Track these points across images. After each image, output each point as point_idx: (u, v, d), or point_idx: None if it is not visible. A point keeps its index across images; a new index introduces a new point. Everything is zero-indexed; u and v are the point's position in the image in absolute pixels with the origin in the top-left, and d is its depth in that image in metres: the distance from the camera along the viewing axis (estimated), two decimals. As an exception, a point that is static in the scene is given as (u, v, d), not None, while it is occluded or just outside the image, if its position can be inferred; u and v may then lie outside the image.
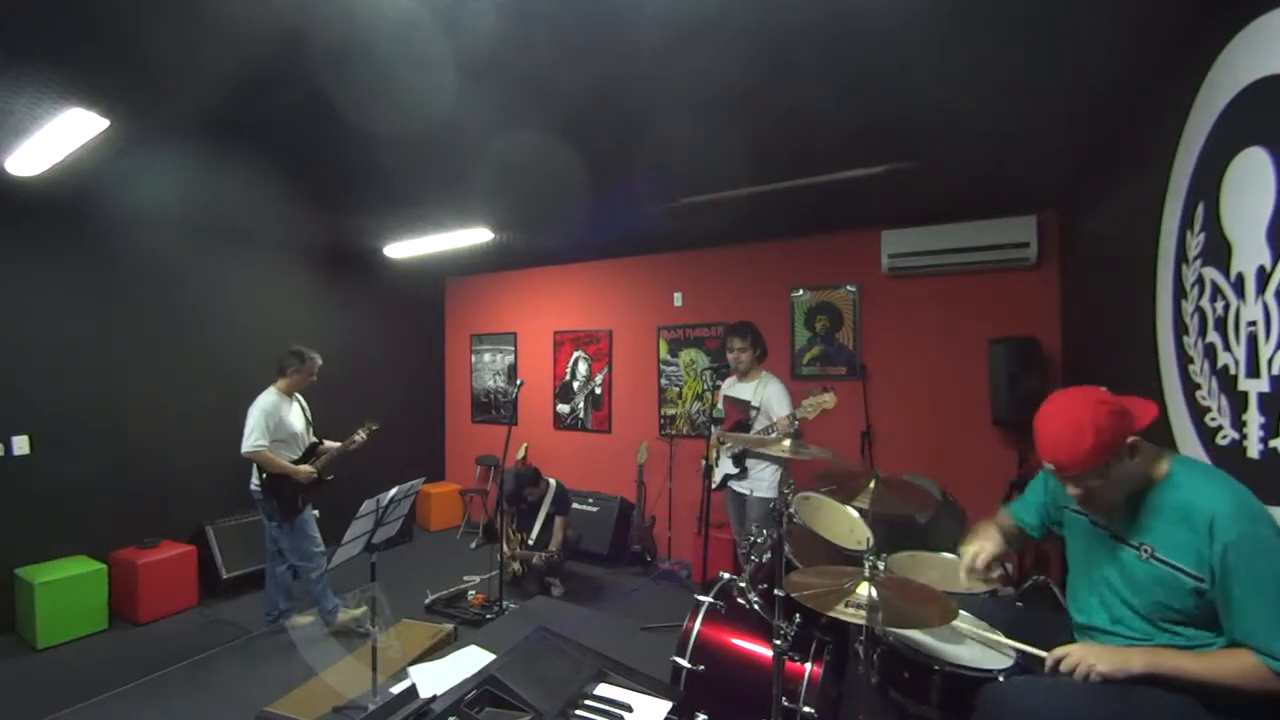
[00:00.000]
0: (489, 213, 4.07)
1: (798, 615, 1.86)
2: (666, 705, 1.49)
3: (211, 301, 4.52)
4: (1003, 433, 3.80)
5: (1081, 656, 1.36)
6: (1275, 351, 1.37)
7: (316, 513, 3.63)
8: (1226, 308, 1.58)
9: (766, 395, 3.36)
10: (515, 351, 6.17)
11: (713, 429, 3.66)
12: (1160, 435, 1.97)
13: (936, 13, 1.78)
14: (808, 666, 1.96)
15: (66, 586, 3.46)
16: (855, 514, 2.05)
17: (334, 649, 3.32)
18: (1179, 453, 1.47)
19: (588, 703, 1.47)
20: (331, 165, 3.15)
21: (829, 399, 2.97)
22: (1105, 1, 1.73)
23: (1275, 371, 1.37)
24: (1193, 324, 1.81)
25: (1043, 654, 1.45)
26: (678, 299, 5.16)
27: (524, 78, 2.20)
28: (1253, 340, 1.45)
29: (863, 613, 1.45)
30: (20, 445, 3.56)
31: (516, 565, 4.24)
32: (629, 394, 5.43)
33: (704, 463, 3.64)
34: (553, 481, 4.45)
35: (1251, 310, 1.45)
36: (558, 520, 4.29)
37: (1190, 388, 1.82)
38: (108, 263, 3.98)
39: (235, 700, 2.78)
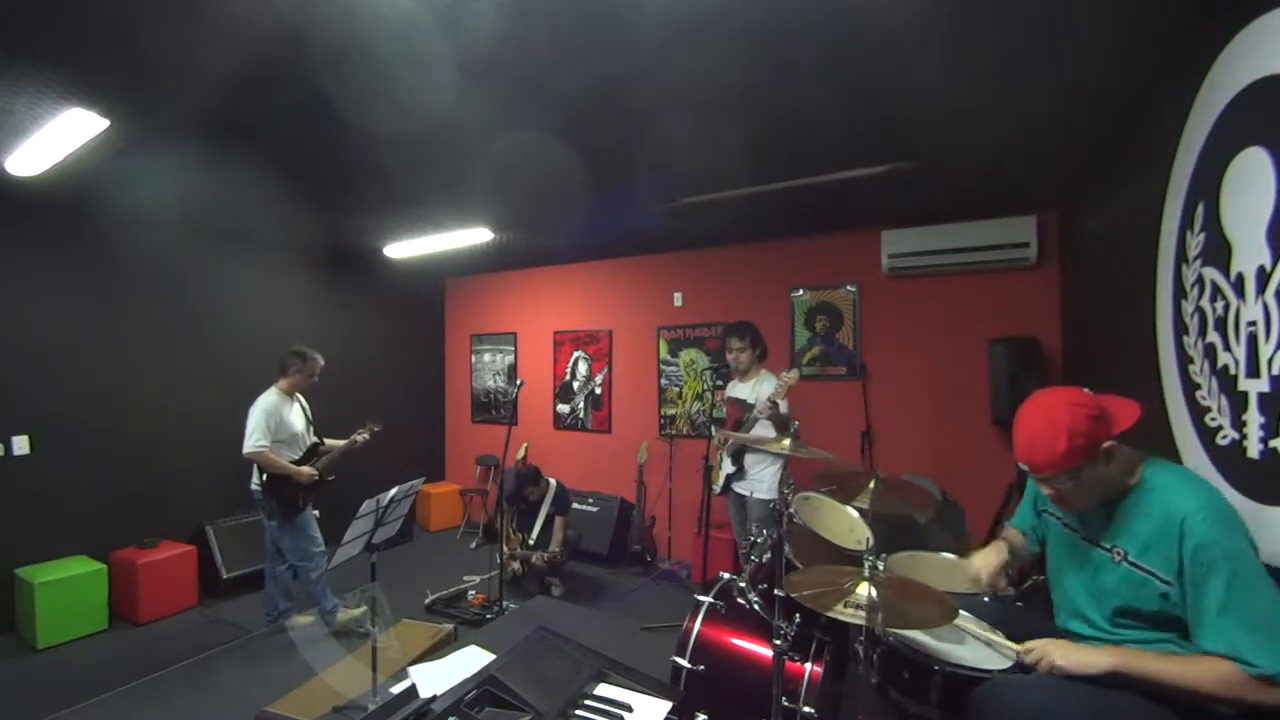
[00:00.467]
0: (489, 213, 4.07)
1: (798, 615, 1.86)
2: (666, 705, 1.49)
3: (211, 301, 4.52)
4: (1003, 433, 3.80)
5: (1044, 651, 1.37)
6: (1275, 351, 1.37)
7: (317, 513, 3.63)
8: (1226, 308, 1.58)
9: (761, 393, 3.37)
10: (515, 351, 6.17)
11: (713, 429, 3.67)
12: (1160, 435, 1.97)
13: (936, 13, 1.78)
14: (808, 666, 1.96)
15: (66, 586, 3.46)
16: (855, 514, 2.05)
17: (334, 649, 3.32)
18: (1159, 455, 1.47)
19: (588, 703, 1.47)
20: (331, 165, 3.15)
21: (792, 375, 3.17)
22: (1105, 1, 1.73)
23: (1275, 371, 1.37)
24: (1193, 324, 1.81)
25: (1015, 647, 1.46)
26: (678, 299, 5.16)
27: (524, 78, 2.20)
28: (1253, 340, 1.45)
29: (863, 613, 1.45)
30: (20, 445, 3.56)
31: (516, 565, 4.24)
32: (629, 394, 5.43)
33: (704, 463, 3.65)
34: (553, 481, 4.45)
35: (1251, 310, 1.45)
36: (558, 520, 4.29)
37: (1190, 388, 1.82)
38: (108, 263, 3.98)
39: (235, 700, 2.77)
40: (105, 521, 3.88)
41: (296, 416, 3.60)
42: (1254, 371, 1.45)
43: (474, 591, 4.12)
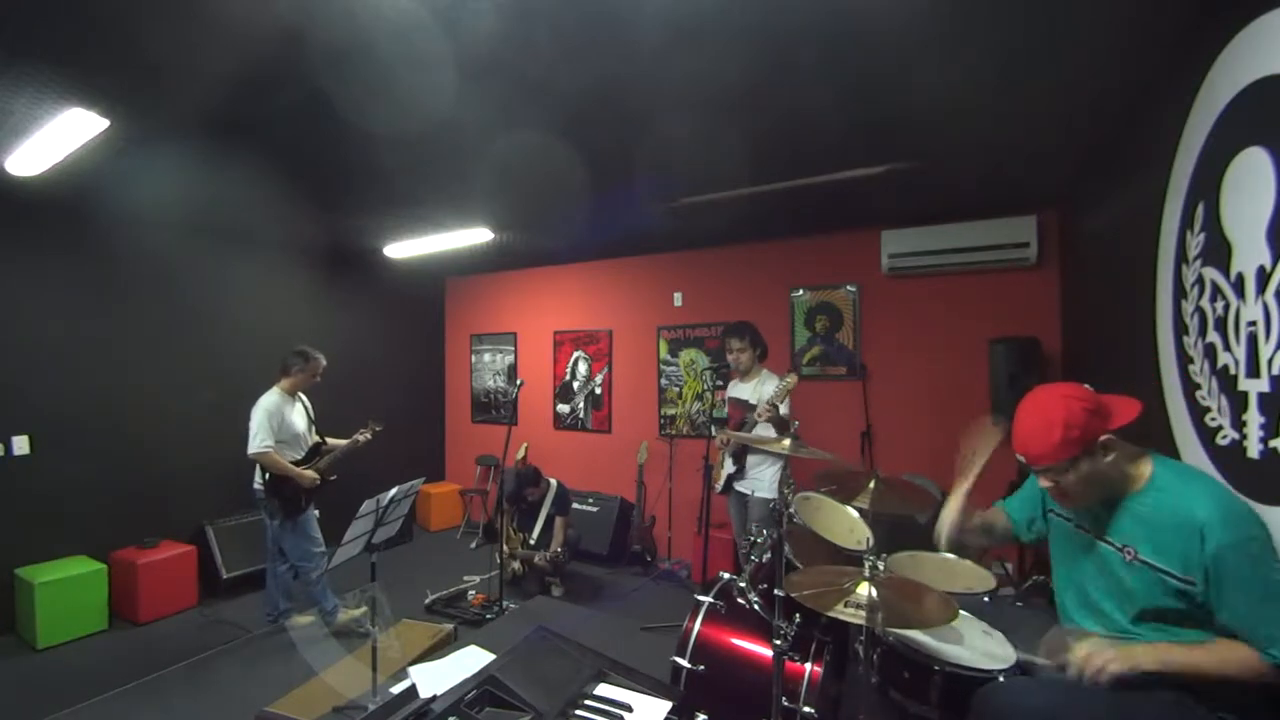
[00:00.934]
0: (489, 213, 4.07)
1: (798, 615, 1.86)
2: (666, 705, 1.49)
3: (211, 301, 4.52)
4: (1003, 433, 3.80)
5: (1096, 655, 1.34)
6: (1275, 351, 1.37)
7: (317, 513, 3.63)
8: (1226, 308, 1.58)
9: (763, 394, 3.37)
10: (515, 351, 6.17)
11: (713, 430, 3.67)
12: (1160, 435, 1.97)
13: (936, 13, 1.78)
14: (808, 666, 1.96)
15: (66, 586, 3.46)
16: (855, 514, 2.05)
17: (334, 649, 3.32)
18: (1161, 454, 1.47)
19: (588, 703, 1.47)
20: (331, 165, 3.15)
21: (791, 380, 3.15)
22: (1105, 1, 1.73)
23: (1275, 371, 1.37)
24: (1193, 324, 1.81)
25: (1044, 662, 1.45)
26: (678, 299, 5.16)
27: (524, 78, 2.20)
28: (1253, 340, 1.45)
29: (863, 613, 1.45)
30: (20, 445, 3.56)
31: (517, 565, 4.24)
32: (629, 394, 5.43)
33: (705, 463, 3.64)
34: (553, 482, 4.45)
35: (1251, 310, 1.45)
36: (558, 520, 4.29)
37: (1190, 388, 1.82)
38: (108, 263, 3.98)
39: (235, 700, 2.77)
40: (105, 521, 3.88)
41: (299, 416, 3.60)
42: (1254, 371, 1.45)
43: (474, 591, 4.12)
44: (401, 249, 5.00)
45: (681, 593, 4.23)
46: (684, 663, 2.09)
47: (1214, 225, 1.65)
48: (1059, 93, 2.28)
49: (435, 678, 1.51)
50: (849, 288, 4.41)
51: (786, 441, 2.08)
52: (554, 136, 2.71)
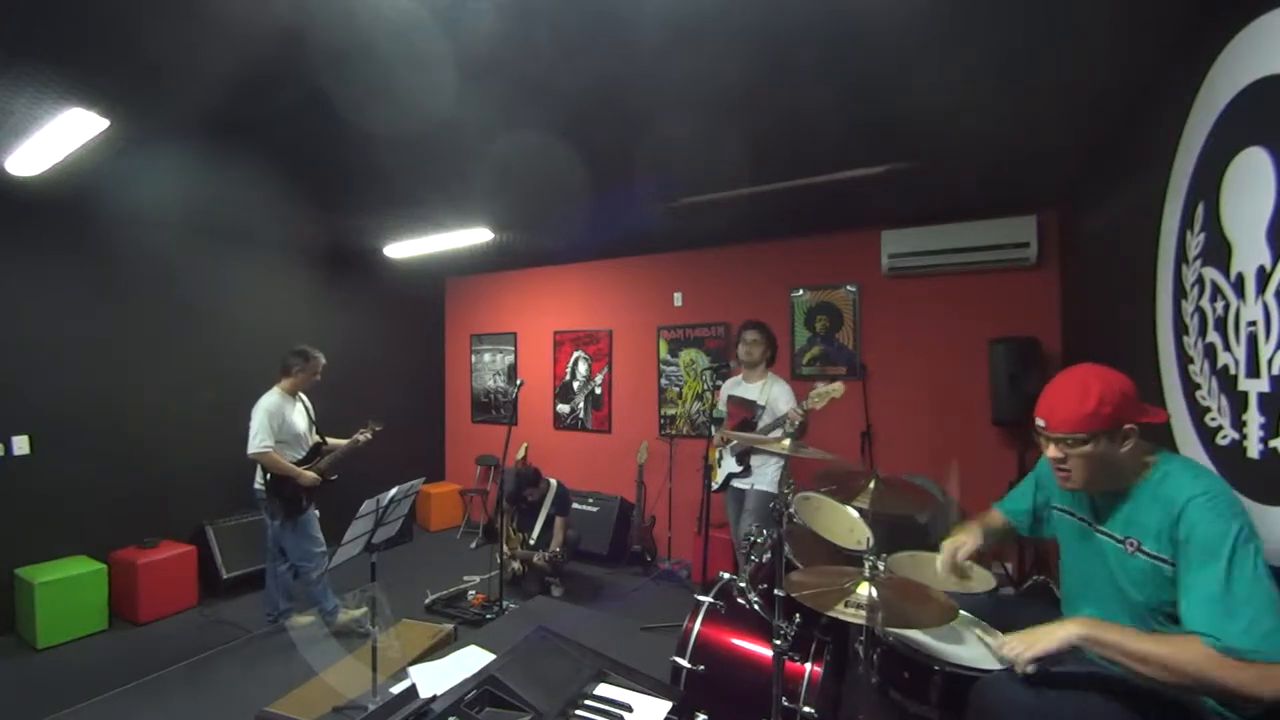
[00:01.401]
0: (489, 213, 4.07)
1: (798, 615, 1.86)
2: (666, 705, 1.49)
3: (211, 301, 4.52)
4: (1003, 433, 3.80)
5: (1012, 648, 1.36)
6: (1275, 351, 1.37)
7: (317, 513, 3.64)
8: (1226, 308, 1.58)
9: (773, 395, 3.37)
10: (515, 351, 6.17)
11: (713, 430, 3.66)
12: (1160, 435, 1.97)
13: (936, 13, 1.78)
14: (808, 666, 1.96)
15: (66, 586, 3.46)
16: (855, 514, 2.05)
17: (334, 649, 3.32)
18: (1177, 452, 1.47)
19: (588, 703, 1.47)
20: (331, 165, 3.15)
21: (838, 388, 2.99)
22: (1105, 1, 1.73)
23: (1275, 371, 1.37)
24: (1193, 324, 1.81)
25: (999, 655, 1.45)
26: (678, 299, 5.16)
27: (524, 78, 2.20)
28: (1253, 340, 1.45)
29: (863, 613, 1.45)
30: (20, 445, 3.56)
31: (517, 565, 4.24)
32: (629, 394, 5.43)
33: (704, 462, 3.64)
34: (553, 482, 4.44)
35: (1251, 310, 1.45)
36: (558, 521, 4.29)
37: (1190, 388, 1.82)
38: (108, 263, 3.98)
39: (235, 700, 2.77)
40: (105, 521, 3.88)
41: (299, 416, 3.61)
42: (1254, 371, 1.45)
43: (474, 591, 4.12)
44: (401, 249, 5.00)
45: (681, 593, 4.23)
46: (684, 663, 2.09)
47: (1214, 225, 1.65)
48: (1059, 93, 2.28)
49: (435, 678, 1.51)
50: (849, 288, 4.41)
51: (786, 442, 2.08)
52: (554, 136, 2.71)
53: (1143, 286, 2.22)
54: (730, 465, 3.51)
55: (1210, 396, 1.68)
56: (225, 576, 4.13)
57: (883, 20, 1.81)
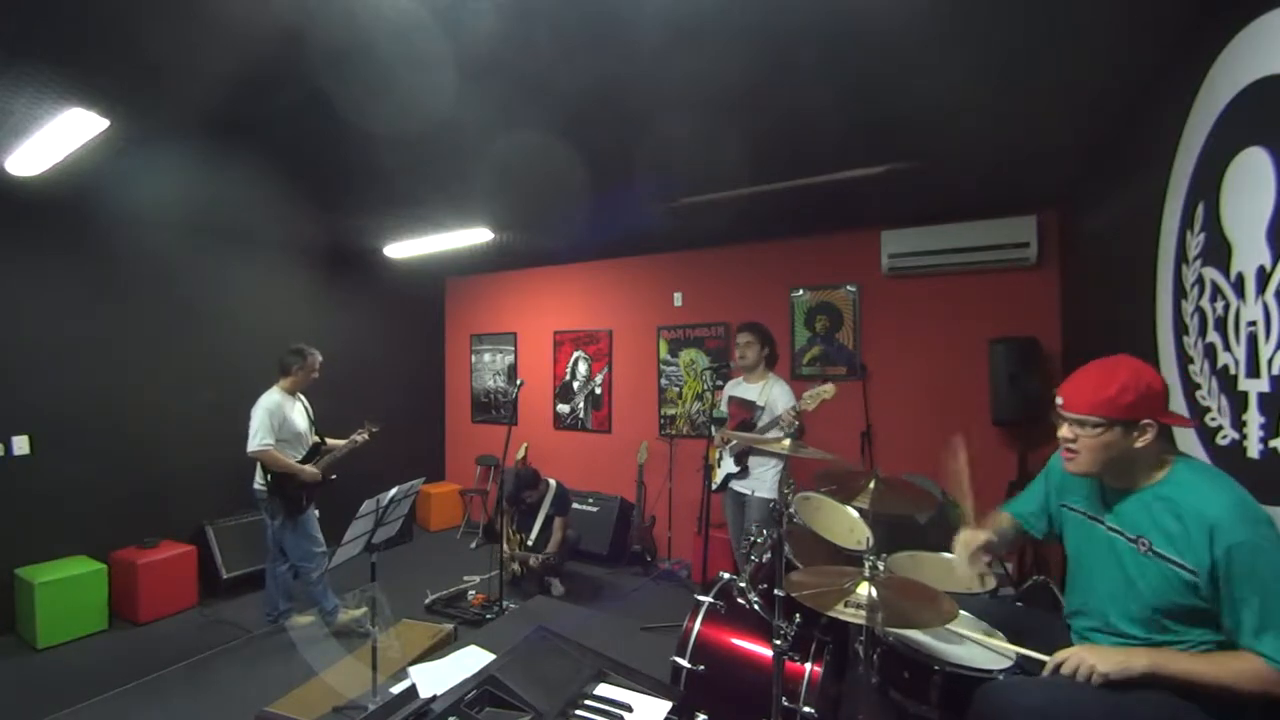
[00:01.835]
0: (489, 213, 4.07)
1: (798, 615, 1.86)
2: (666, 705, 1.49)
3: (211, 301, 4.52)
4: (1003, 433, 3.80)
5: (1082, 658, 1.35)
6: (1275, 351, 1.37)
7: (317, 513, 3.64)
8: (1226, 308, 1.58)
9: (772, 396, 3.37)
10: (515, 351, 6.17)
11: (713, 430, 3.66)
12: (1161, 434, 1.97)
13: (936, 13, 1.78)
14: (808, 666, 1.96)
15: (66, 586, 3.46)
16: (855, 514, 2.05)
17: (334, 649, 3.32)
18: (1186, 455, 1.47)
19: (588, 703, 1.47)
20: (331, 165, 3.15)
21: (828, 389, 3.04)
22: (1105, 1, 1.73)
23: (1275, 371, 1.37)
24: (1193, 324, 1.81)
25: (1043, 658, 1.45)
26: (678, 299, 5.16)
27: (524, 78, 2.20)
28: (1253, 340, 1.45)
29: (863, 613, 1.45)
30: (20, 445, 3.56)
31: (516, 566, 4.24)
32: (629, 394, 5.43)
33: (704, 462, 3.64)
34: (552, 482, 4.44)
35: (1251, 310, 1.45)
36: (557, 521, 4.29)
37: (1190, 388, 1.82)
38: (108, 263, 3.98)
39: (235, 700, 2.78)
40: (105, 521, 3.88)
41: (299, 416, 3.61)
42: (1254, 371, 1.45)
43: (474, 591, 4.12)
44: (401, 249, 5.00)
45: (681, 593, 4.23)
46: (684, 663, 2.09)
47: (1214, 225, 1.65)
48: (1059, 93, 2.28)
49: (435, 678, 1.51)
50: (849, 288, 4.41)
51: (787, 442, 2.08)
52: (554, 136, 2.71)
53: (1143, 286, 2.22)
54: (729, 466, 3.51)
55: (1210, 396, 1.68)
56: (225, 576, 4.13)
57: (883, 20, 1.81)
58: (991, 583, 1.87)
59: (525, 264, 5.93)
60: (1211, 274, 1.67)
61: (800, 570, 1.85)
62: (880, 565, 1.62)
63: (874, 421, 4.27)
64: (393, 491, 2.67)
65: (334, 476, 3.63)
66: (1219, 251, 1.62)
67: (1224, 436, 1.60)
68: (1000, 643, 1.67)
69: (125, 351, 4.05)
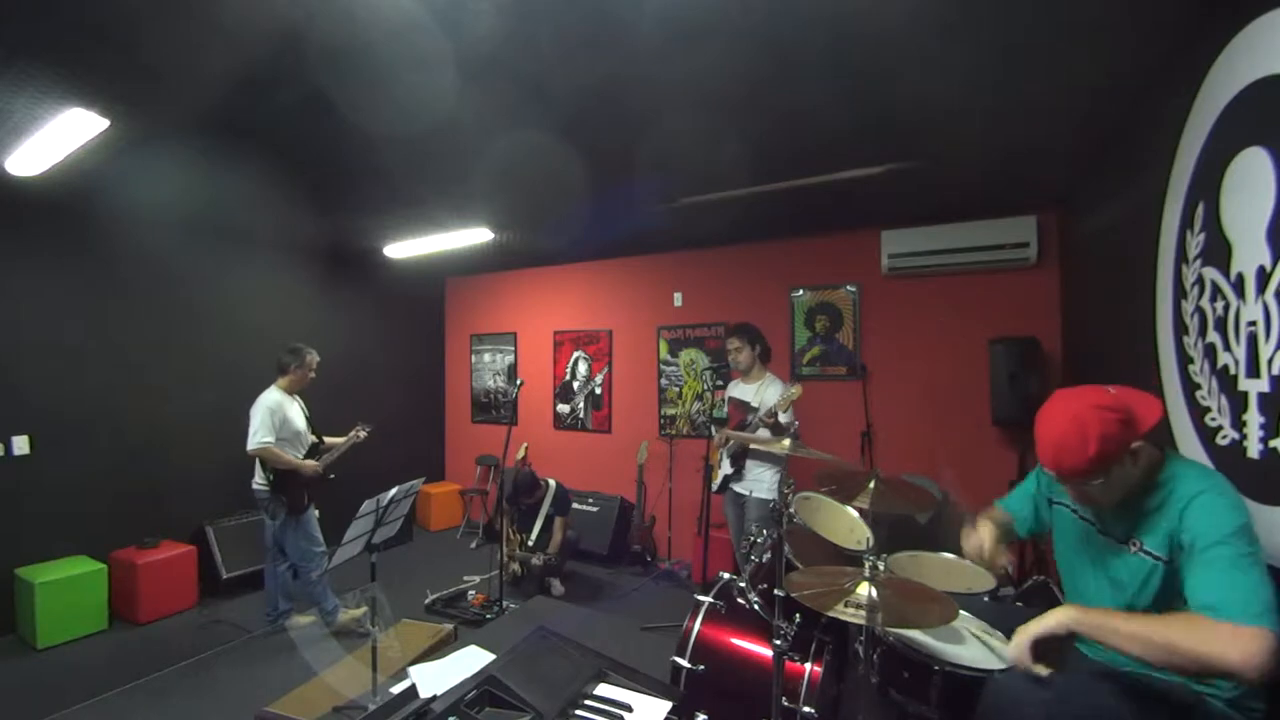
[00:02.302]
0: (489, 213, 4.07)
1: (798, 615, 1.86)
2: (666, 705, 1.49)
3: (212, 301, 4.52)
4: (1003, 433, 3.80)
5: (1014, 644, 1.34)
6: (1275, 351, 1.37)
7: (318, 513, 3.64)
8: (1226, 308, 1.58)
9: (765, 397, 3.37)
10: (515, 351, 6.17)
11: (713, 430, 3.66)
12: (1160, 435, 1.97)
13: (936, 13, 1.79)
14: (808, 666, 1.96)
15: (66, 586, 3.46)
16: (855, 514, 2.05)
17: (334, 649, 3.32)
18: (1174, 451, 1.46)
19: (588, 703, 1.47)
20: (331, 165, 3.15)
21: (795, 390, 3.16)
22: (1105, 1, 1.73)
23: (1275, 371, 1.37)
24: (1193, 324, 1.81)
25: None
26: (678, 299, 5.16)
27: (524, 78, 2.20)
28: (1253, 340, 1.45)
29: (863, 613, 1.45)
30: (20, 445, 3.56)
31: (516, 566, 4.24)
32: (629, 394, 5.43)
33: (705, 463, 3.64)
34: (552, 482, 4.44)
35: (1251, 310, 1.45)
36: (557, 521, 4.29)
37: (1190, 388, 1.82)
38: (108, 263, 3.98)
39: (235, 700, 2.78)
40: (105, 521, 3.87)
41: (297, 415, 3.61)
42: (1254, 371, 1.45)
43: (474, 591, 4.12)
44: (401, 249, 5.00)
45: (681, 593, 4.22)
46: (684, 663, 2.09)
47: (1214, 225, 1.65)
48: (1059, 93, 2.28)
49: (435, 678, 1.51)
50: (849, 288, 4.41)
51: (786, 442, 2.08)
52: (554, 136, 2.71)
53: (1143, 286, 2.22)
54: (726, 467, 3.52)
55: (1210, 396, 1.68)
56: (225, 576, 4.13)
57: (883, 20, 1.81)
58: (991, 582, 1.87)
59: (525, 264, 5.93)
60: (1211, 274, 1.67)
61: (800, 570, 1.85)
62: (880, 565, 1.61)
63: (874, 421, 4.27)
64: (393, 491, 2.67)
65: (333, 475, 3.63)
66: (1219, 251, 1.62)
67: (1224, 436, 1.60)
68: (1001, 643, 1.67)
69: (125, 351, 4.05)
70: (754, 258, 4.79)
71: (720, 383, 3.76)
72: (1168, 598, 1.32)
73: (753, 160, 2.99)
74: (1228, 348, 1.57)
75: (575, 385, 5.74)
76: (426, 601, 3.96)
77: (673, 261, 5.18)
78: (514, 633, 2.04)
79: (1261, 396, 1.42)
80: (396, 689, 1.45)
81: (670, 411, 5.18)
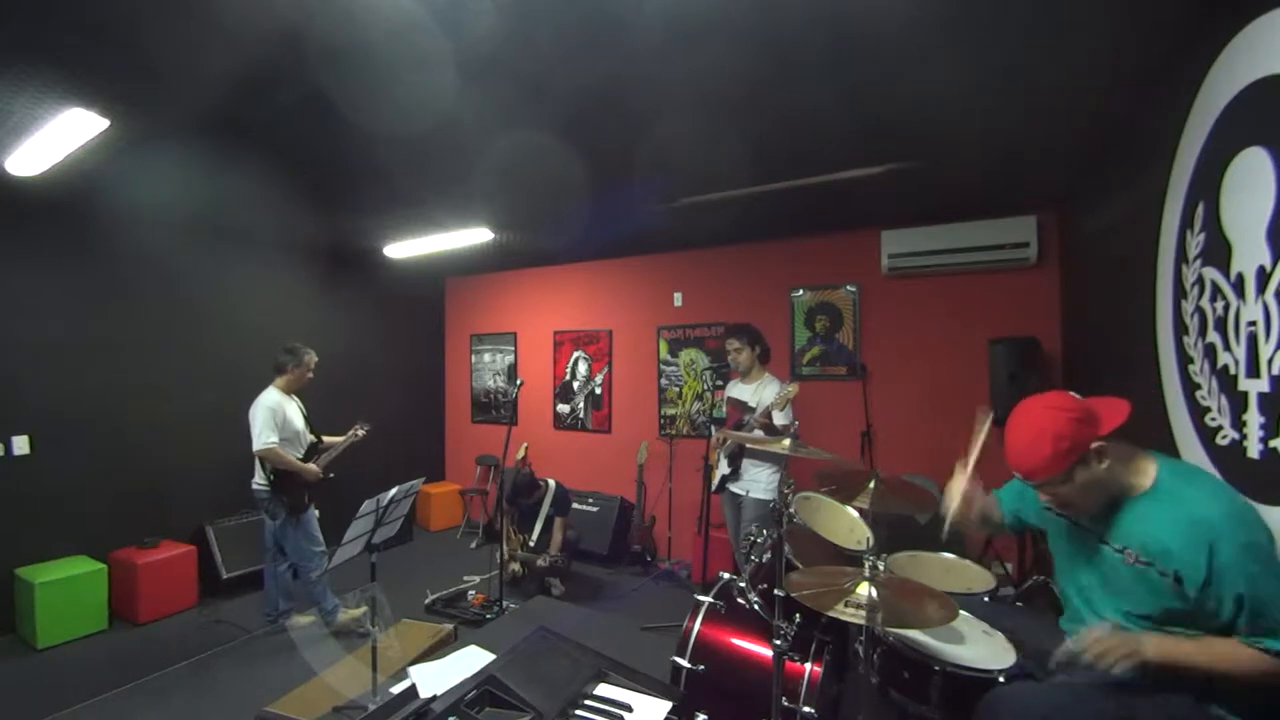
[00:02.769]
0: (489, 213, 4.07)
1: (798, 615, 1.86)
2: (666, 705, 1.49)
3: (211, 301, 4.52)
4: (1003, 433, 3.79)
5: (1124, 641, 1.31)
6: (1275, 351, 1.37)
7: (318, 513, 3.64)
8: (1226, 308, 1.58)
9: (763, 397, 3.37)
10: (515, 351, 6.17)
11: (712, 430, 3.66)
12: (1160, 435, 1.97)
13: (937, 13, 1.78)
14: (808, 666, 1.96)
15: (66, 586, 3.45)
16: (855, 514, 2.05)
17: (334, 649, 3.32)
18: (1164, 454, 1.47)
19: (588, 703, 1.47)
20: (331, 165, 3.15)
21: (792, 389, 3.18)
22: (1105, 2, 1.73)
23: (1275, 371, 1.37)
24: (1193, 324, 1.81)
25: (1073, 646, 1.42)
26: (678, 299, 5.16)
27: (524, 78, 2.20)
28: (1253, 340, 1.45)
29: (863, 613, 1.45)
30: (20, 445, 3.56)
31: (517, 566, 4.24)
32: (629, 394, 5.43)
33: (705, 463, 3.64)
34: (552, 482, 4.44)
35: (1251, 310, 1.45)
36: (557, 521, 4.29)
37: (1190, 388, 1.82)
38: (108, 263, 3.98)
39: (235, 700, 2.78)
40: (105, 521, 3.87)
41: (296, 414, 3.61)
42: (1254, 371, 1.45)
43: (474, 591, 4.12)
44: (401, 249, 5.00)
45: (681, 593, 4.22)
46: (684, 663, 2.09)
47: (1214, 225, 1.65)
48: (1059, 93, 2.28)
49: (435, 678, 1.51)
50: (849, 288, 4.41)
51: (786, 442, 2.08)
52: (554, 136, 2.71)
53: (1143, 286, 2.22)
54: (723, 467, 3.52)
55: (1210, 396, 1.68)
56: (225, 576, 4.13)
57: (883, 21, 1.81)
58: (991, 582, 1.87)
59: (525, 264, 5.93)
60: (1211, 274, 1.67)
61: (800, 570, 1.85)
62: (880, 565, 1.62)
63: (874, 421, 4.27)
64: (393, 491, 2.67)
65: (331, 475, 3.63)
66: (1219, 251, 1.62)
67: (1224, 437, 1.60)
68: (1001, 643, 1.67)
69: (125, 351, 4.05)
70: (754, 258, 4.79)
71: (720, 383, 3.76)
72: (1170, 608, 1.31)
73: (752, 160, 2.99)
74: (1228, 348, 1.57)
75: (575, 385, 5.74)
76: (426, 601, 3.96)
77: (673, 261, 5.18)
78: (514, 633, 2.04)
79: (1261, 396, 1.42)
80: (396, 689, 1.45)
81: (670, 411, 5.18)
